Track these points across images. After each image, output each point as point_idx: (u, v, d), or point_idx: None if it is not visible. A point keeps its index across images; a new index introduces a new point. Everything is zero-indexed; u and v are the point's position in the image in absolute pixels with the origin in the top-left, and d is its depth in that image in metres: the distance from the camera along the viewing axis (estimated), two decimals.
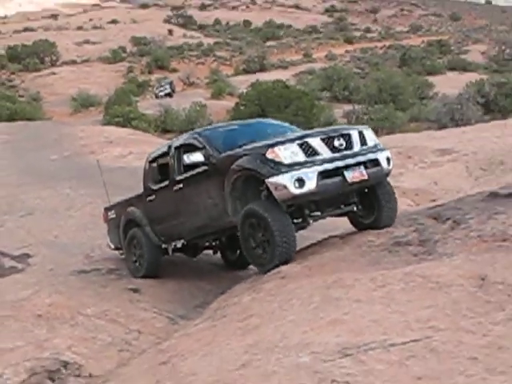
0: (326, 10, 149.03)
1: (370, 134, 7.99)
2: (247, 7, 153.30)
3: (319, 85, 49.15)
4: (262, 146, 7.59)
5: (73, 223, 12.89)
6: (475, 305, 4.71)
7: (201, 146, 8.46)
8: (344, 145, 7.61)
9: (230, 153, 8.00)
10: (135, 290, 9.07)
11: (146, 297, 8.87)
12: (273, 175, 7.23)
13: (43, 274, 9.84)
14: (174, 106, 38.66)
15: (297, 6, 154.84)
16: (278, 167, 7.25)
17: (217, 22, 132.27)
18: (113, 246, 10.59)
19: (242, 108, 32.69)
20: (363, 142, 7.82)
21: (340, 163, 7.43)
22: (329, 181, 7.34)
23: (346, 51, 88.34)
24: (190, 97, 47.92)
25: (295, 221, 7.69)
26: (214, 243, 9.98)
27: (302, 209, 7.77)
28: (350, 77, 51.36)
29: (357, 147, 7.71)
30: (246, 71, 71.85)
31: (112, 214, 10.59)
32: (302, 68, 68.98)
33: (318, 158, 7.39)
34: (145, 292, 9.05)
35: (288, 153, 7.32)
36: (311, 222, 7.93)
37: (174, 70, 77.33)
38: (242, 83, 52.34)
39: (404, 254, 6.62)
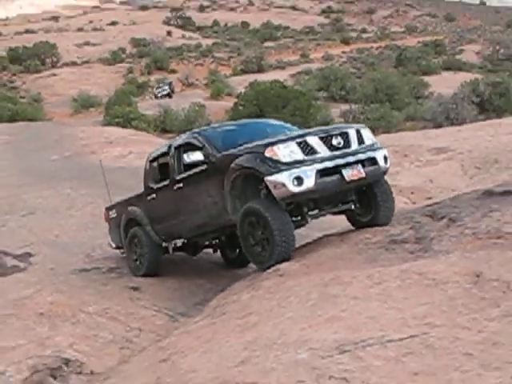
0: (323, 11, 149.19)
1: (367, 133, 7.99)
2: (245, 9, 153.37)
3: (316, 85, 49.17)
4: (261, 144, 7.57)
5: (74, 223, 12.89)
6: (470, 301, 4.71)
7: (200, 145, 8.46)
8: (342, 143, 7.60)
9: (229, 152, 7.99)
10: (135, 288, 9.07)
11: (147, 295, 8.87)
12: (272, 173, 7.23)
13: (45, 273, 9.84)
14: (173, 107, 38.70)
15: (294, 8, 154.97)
16: (277, 166, 7.24)
17: (215, 23, 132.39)
18: (114, 245, 10.58)
19: (240, 108, 32.73)
20: (361, 140, 7.82)
21: (338, 161, 7.43)
22: (327, 179, 7.33)
23: (343, 52, 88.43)
24: (189, 97, 47.97)
25: (294, 219, 7.68)
26: (213, 242, 9.97)
27: (300, 207, 7.77)
28: (346, 77, 51.38)
29: (354, 146, 7.70)
30: (244, 72, 71.87)
31: (113, 214, 10.59)
32: (299, 68, 69.02)
33: (316, 156, 7.38)
34: (145, 290, 9.05)
35: (287, 151, 7.32)
36: (310, 219, 7.93)
37: (173, 71, 77.40)
38: (241, 83, 52.38)
39: (400, 251, 6.62)
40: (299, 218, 7.83)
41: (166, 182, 9.19)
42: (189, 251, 10.06)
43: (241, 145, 7.94)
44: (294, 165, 7.24)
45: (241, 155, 7.68)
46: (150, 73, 77.25)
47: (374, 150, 7.85)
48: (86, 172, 17.18)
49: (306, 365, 4.21)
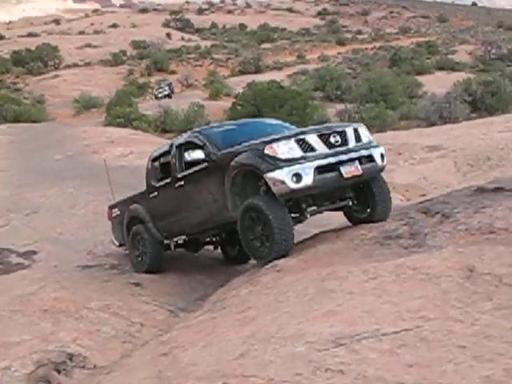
0: (319, 13, 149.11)
1: (364, 131, 7.99)
2: (242, 11, 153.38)
3: (312, 85, 49.15)
4: (261, 142, 7.57)
5: (76, 221, 12.89)
6: (463, 295, 4.72)
7: (201, 143, 8.46)
8: (339, 141, 7.60)
9: (229, 150, 7.99)
10: (137, 284, 9.08)
11: (148, 290, 8.87)
12: (271, 170, 7.22)
13: (48, 270, 9.84)
14: (173, 107, 38.65)
15: (290, 10, 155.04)
16: (276, 163, 7.24)
17: (213, 25, 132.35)
18: (117, 243, 10.57)
19: (238, 108, 32.70)
20: (358, 138, 7.82)
21: (336, 159, 7.42)
22: (325, 175, 7.33)
23: (338, 52, 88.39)
24: (189, 98, 47.93)
25: (293, 215, 7.68)
26: (214, 239, 9.97)
27: (299, 203, 7.77)
28: (342, 77, 51.36)
29: (352, 144, 7.70)
30: (242, 72, 71.86)
31: (116, 212, 10.58)
32: (295, 69, 68.93)
33: (314, 153, 7.38)
34: (146, 286, 9.05)
35: (286, 149, 7.32)
36: (308, 216, 7.94)
37: (173, 72, 77.32)
38: (239, 84, 52.40)
39: (395, 246, 6.62)
40: (298, 214, 7.84)
41: (167, 180, 9.19)
42: (190, 248, 10.05)
43: (240, 143, 7.93)
44: (293, 162, 7.24)
45: (241, 153, 7.68)
46: (150, 74, 77.18)
47: (371, 147, 7.85)
48: (88, 171, 17.18)
49: (303, 358, 4.21)
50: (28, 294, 8.32)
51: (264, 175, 7.30)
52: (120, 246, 10.53)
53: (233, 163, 7.69)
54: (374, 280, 5.37)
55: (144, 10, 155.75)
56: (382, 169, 7.94)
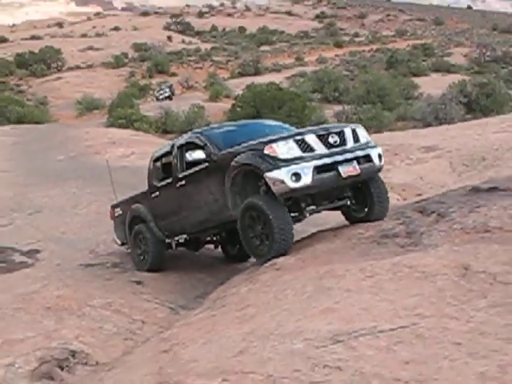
0: (317, 16, 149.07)
1: (362, 132, 7.99)
2: (242, 14, 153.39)
3: (311, 87, 49.16)
4: (260, 142, 7.57)
5: (79, 220, 12.89)
6: (459, 293, 4.72)
7: (202, 144, 8.46)
8: (338, 141, 7.60)
9: (229, 150, 7.99)
10: (138, 282, 9.08)
11: (149, 288, 8.87)
12: (271, 170, 7.22)
13: (51, 269, 9.83)
14: (173, 108, 38.69)
15: (289, 13, 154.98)
16: (276, 162, 7.24)
17: (213, 28, 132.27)
18: (119, 242, 10.57)
19: (238, 109, 32.73)
20: (356, 139, 7.81)
21: (334, 158, 7.42)
22: (324, 175, 7.33)
23: (336, 55, 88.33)
24: (189, 99, 47.94)
25: (292, 214, 7.68)
26: (215, 238, 9.98)
27: (298, 202, 7.77)
28: (339, 79, 51.38)
29: (350, 144, 7.69)
30: (242, 75, 71.85)
31: (118, 211, 10.58)
32: (294, 71, 68.94)
33: (313, 153, 7.38)
34: (147, 284, 9.05)
35: (285, 149, 7.32)
36: (307, 215, 7.94)
37: (174, 74, 77.32)
38: (238, 86, 52.41)
39: (392, 245, 6.62)
40: (297, 213, 7.84)
41: (169, 180, 9.19)
42: (191, 247, 10.06)
43: (240, 144, 7.93)
44: (292, 161, 7.23)
45: (241, 153, 7.68)
46: (152, 76, 77.15)
47: (369, 148, 7.85)
48: (90, 171, 17.17)
49: (302, 354, 4.21)
50: (31, 292, 8.32)
51: (264, 175, 7.30)
52: (122, 244, 10.53)
53: (233, 163, 7.70)
54: (371, 278, 5.37)
55: (145, 13, 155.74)
56: (379, 169, 7.94)
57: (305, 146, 7.39)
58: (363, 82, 42.69)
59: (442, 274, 5.08)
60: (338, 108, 36.01)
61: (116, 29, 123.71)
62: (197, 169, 8.44)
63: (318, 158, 7.34)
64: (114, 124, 34.14)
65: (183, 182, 8.76)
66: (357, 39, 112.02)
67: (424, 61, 72.11)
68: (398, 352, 4.01)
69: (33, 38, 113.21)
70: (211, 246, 10.35)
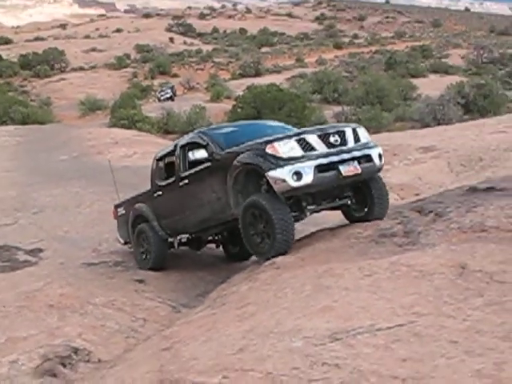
0: (317, 18, 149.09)
1: (362, 132, 7.98)
2: (243, 16, 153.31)
3: (310, 88, 49.09)
4: (262, 142, 7.56)
5: (82, 219, 12.90)
6: (456, 292, 4.72)
7: (204, 143, 8.46)
8: (339, 141, 7.58)
9: (231, 149, 7.99)
10: (140, 281, 9.08)
11: (151, 287, 8.87)
12: (272, 169, 7.22)
13: (54, 267, 9.84)
14: (175, 109, 38.65)
15: (289, 15, 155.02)
16: (277, 162, 7.23)
17: (215, 30, 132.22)
18: (122, 241, 10.57)
19: (238, 110, 32.70)
20: (357, 138, 7.80)
21: (335, 158, 7.41)
22: (325, 174, 7.32)
23: (336, 56, 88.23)
24: (190, 100, 47.91)
25: (293, 213, 7.67)
26: (216, 237, 9.97)
27: (299, 201, 7.77)
28: (339, 80, 51.29)
29: (351, 144, 7.68)
30: (243, 76, 71.74)
31: (121, 211, 10.58)
32: (294, 72, 68.82)
33: (314, 153, 7.37)
34: (149, 282, 9.05)
35: (286, 148, 7.31)
36: (308, 214, 7.93)
37: (175, 76, 77.28)
38: (239, 87, 52.35)
39: (390, 244, 6.62)
40: (298, 212, 7.83)
41: (171, 180, 9.19)
42: (193, 246, 10.05)
43: (243, 143, 7.92)
44: (294, 161, 7.23)
45: (243, 152, 7.68)
46: (154, 77, 77.11)
47: (369, 148, 7.84)
48: (93, 171, 17.18)
49: (301, 352, 4.22)
50: (34, 290, 8.32)
51: (265, 173, 7.30)
52: (125, 243, 10.53)
53: (235, 162, 7.69)
54: (369, 277, 5.37)
55: (147, 15, 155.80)
56: (379, 169, 7.93)
57: (306, 146, 7.39)
58: (362, 83, 42.65)
59: (439, 273, 5.08)
60: (337, 109, 35.99)
61: (119, 30, 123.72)
62: (199, 168, 8.45)
63: (319, 158, 7.33)
64: (117, 124, 34.12)
65: (186, 181, 8.76)
66: (356, 41, 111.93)
67: (422, 62, 72.02)
68: (395, 350, 4.01)
69: (37, 39, 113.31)
70: (212, 246, 10.35)
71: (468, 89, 32.68)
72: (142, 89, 64.35)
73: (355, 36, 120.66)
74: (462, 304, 4.50)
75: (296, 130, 8.44)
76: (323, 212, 8.38)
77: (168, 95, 55.12)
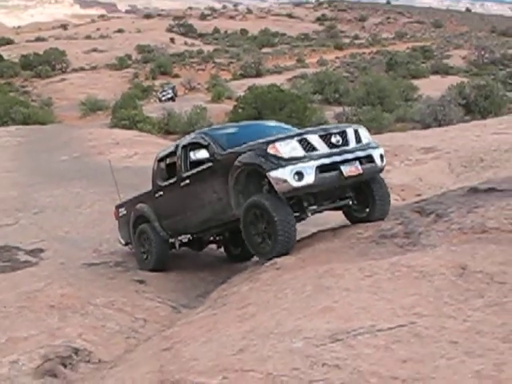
0: (318, 19, 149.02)
1: (364, 133, 7.97)
2: (244, 17, 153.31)
3: (311, 88, 49.13)
4: (264, 142, 7.56)
5: (82, 220, 12.90)
6: (456, 292, 4.72)
7: (206, 143, 8.46)
8: (340, 141, 7.58)
9: (233, 149, 7.98)
10: (141, 281, 9.08)
11: (151, 287, 8.87)
12: (274, 169, 7.21)
13: (55, 267, 9.84)
14: (176, 110, 38.68)
15: (290, 15, 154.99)
16: (279, 162, 7.22)
17: (216, 30, 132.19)
18: (123, 242, 10.56)
19: (239, 111, 32.72)
20: (358, 139, 7.79)
21: (337, 158, 7.40)
22: (326, 174, 7.31)
23: (336, 57, 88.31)
24: (191, 101, 47.93)
25: (295, 214, 7.66)
26: (217, 238, 9.96)
27: (301, 202, 7.76)
28: (340, 81, 51.35)
29: (352, 144, 7.67)
30: (243, 76, 71.78)
31: (122, 211, 10.57)
32: (295, 73, 68.87)
33: (316, 153, 7.36)
34: (150, 283, 9.05)
35: (288, 148, 7.31)
36: (310, 214, 7.93)
37: (176, 76, 77.33)
38: (240, 87, 52.40)
39: (390, 245, 6.62)
40: (300, 213, 7.82)
41: (173, 180, 9.19)
42: (194, 247, 10.05)
43: (244, 143, 7.91)
44: (295, 161, 7.22)
45: (244, 152, 7.68)
46: (155, 77, 77.17)
47: (371, 148, 7.83)
48: (93, 172, 17.18)
49: (301, 353, 4.22)
50: (35, 290, 8.32)
51: (267, 174, 7.30)
52: (126, 244, 10.52)
53: (236, 162, 7.69)
54: (370, 277, 5.37)
55: (148, 16, 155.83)
56: (381, 169, 7.92)
57: (307, 146, 7.39)
58: (363, 83, 42.68)
59: (439, 274, 5.08)
60: (338, 109, 36.02)
61: (120, 31, 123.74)
62: (201, 168, 8.45)
63: (320, 158, 7.32)
64: (118, 125, 34.14)
65: (187, 182, 8.76)
66: (357, 41, 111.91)
67: (423, 63, 72.09)
68: (395, 351, 4.01)
69: (38, 39, 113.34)
70: (213, 246, 10.35)
71: (469, 89, 32.69)
72: (143, 89, 64.39)
73: (356, 37, 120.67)
74: (462, 305, 4.50)
75: (298, 131, 8.43)
76: (324, 212, 8.37)
77: (169, 96, 55.12)
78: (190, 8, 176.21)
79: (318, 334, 4.43)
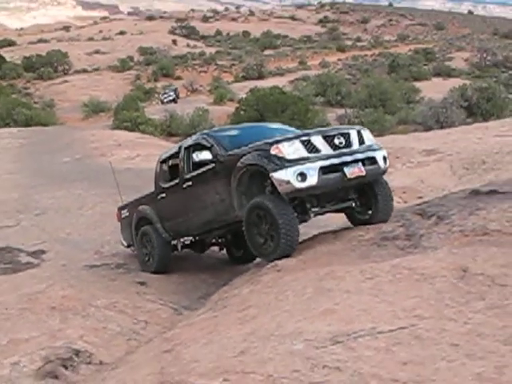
0: (320, 21, 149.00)
1: (367, 134, 7.97)
2: (246, 19, 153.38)
3: (313, 90, 49.11)
4: (267, 143, 7.56)
5: (84, 221, 12.90)
6: (457, 295, 4.72)
7: (209, 145, 8.46)
8: (343, 143, 7.57)
9: (236, 151, 7.98)
10: (142, 283, 9.08)
11: (152, 289, 8.88)
12: (277, 170, 7.21)
13: (57, 269, 9.84)
14: (178, 111, 38.68)
15: (293, 18, 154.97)
16: (282, 163, 7.22)
17: (218, 32, 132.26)
18: (126, 244, 10.56)
19: (241, 113, 32.69)
20: (361, 141, 7.79)
21: (340, 160, 7.40)
22: (329, 176, 7.30)
23: (339, 59, 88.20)
24: (194, 102, 47.93)
25: (297, 215, 7.65)
26: (220, 240, 9.95)
27: (304, 203, 7.75)
28: (342, 83, 51.28)
29: (355, 146, 7.67)
30: (246, 78, 71.74)
31: (125, 213, 10.57)
32: (297, 75, 68.82)
33: (319, 154, 7.36)
34: (151, 285, 9.05)
35: (291, 149, 7.30)
36: (312, 216, 7.92)
37: (179, 78, 77.33)
38: (242, 89, 52.33)
39: (391, 247, 6.62)
40: (302, 214, 7.81)
41: (175, 182, 9.18)
42: (196, 249, 10.04)
43: (246, 145, 7.91)
44: (298, 162, 7.22)
45: (247, 153, 7.68)
46: (157, 79, 77.19)
47: (374, 150, 7.83)
48: (95, 173, 17.18)
49: (302, 355, 4.22)
50: (36, 292, 8.33)
51: (270, 175, 7.29)
52: (128, 246, 10.52)
53: (239, 163, 7.69)
54: (371, 280, 5.37)
55: (151, 18, 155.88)
56: (384, 171, 7.91)
57: (310, 147, 7.39)
58: (365, 85, 42.65)
59: (440, 276, 5.08)
60: (340, 111, 36.00)
61: (122, 33, 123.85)
62: (203, 170, 8.45)
63: (323, 159, 7.32)
64: (120, 126, 34.13)
65: (190, 183, 8.75)
66: (359, 44, 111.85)
67: (425, 65, 71.98)
68: (396, 353, 4.02)
69: (40, 41, 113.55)
70: (215, 248, 10.34)
71: (471, 92, 32.64)
72: (145, 91, 64.42)
73: (358, 39, 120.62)
74: (463, 307, 4.50)
75: (301, 132, 8.42)
76: (326, 215, 8.37)
77: (171, 97, 55.14)
78: (193, 10, 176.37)
79: (319, 336, 4.43)
